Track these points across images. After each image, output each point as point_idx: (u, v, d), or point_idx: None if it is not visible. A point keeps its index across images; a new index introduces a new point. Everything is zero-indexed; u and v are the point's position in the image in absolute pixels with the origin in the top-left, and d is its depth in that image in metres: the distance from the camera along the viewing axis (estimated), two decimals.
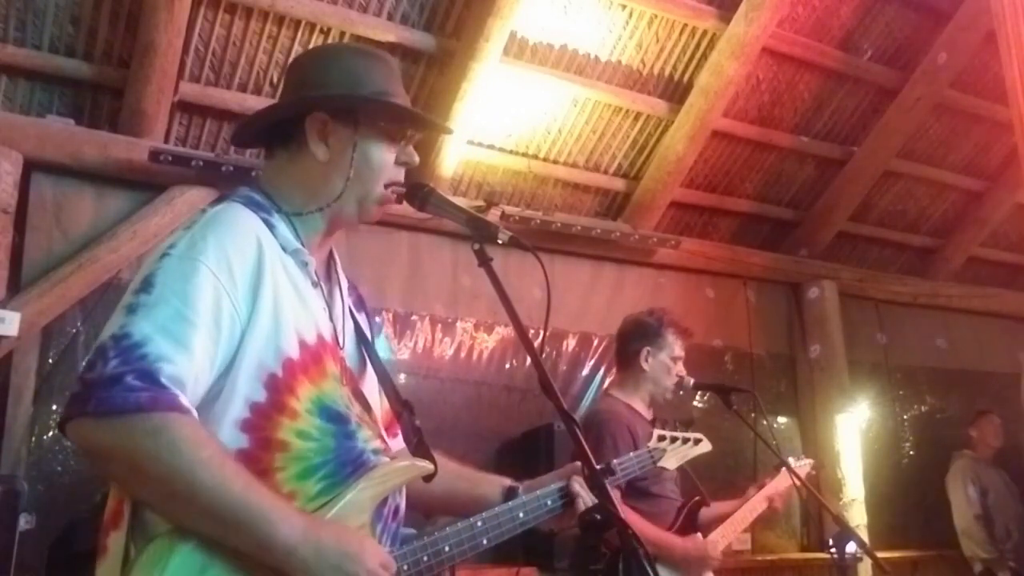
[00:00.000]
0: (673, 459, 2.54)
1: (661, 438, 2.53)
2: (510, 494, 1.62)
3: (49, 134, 3.55)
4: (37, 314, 3.42)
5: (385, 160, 1.50)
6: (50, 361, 3.51)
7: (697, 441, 2.60)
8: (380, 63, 1.55)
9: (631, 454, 2.30)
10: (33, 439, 3.42)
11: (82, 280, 3.52)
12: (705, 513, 3.04)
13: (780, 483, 3.14)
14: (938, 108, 5.29)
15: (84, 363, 1.21)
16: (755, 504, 3.06)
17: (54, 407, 3.48)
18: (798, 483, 2.99)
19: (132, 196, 3.72)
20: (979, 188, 5.89)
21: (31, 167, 3.54)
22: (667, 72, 4.57)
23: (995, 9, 3.76)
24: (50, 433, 3.45)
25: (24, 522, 2.99)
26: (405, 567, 1.35)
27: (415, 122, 1.58)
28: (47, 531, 3.10)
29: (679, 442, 2.54)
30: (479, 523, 1.48)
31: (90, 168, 3.62)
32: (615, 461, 2.19)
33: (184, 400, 1.19)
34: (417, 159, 1.56)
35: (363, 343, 1.58)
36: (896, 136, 5.18)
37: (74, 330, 3.54)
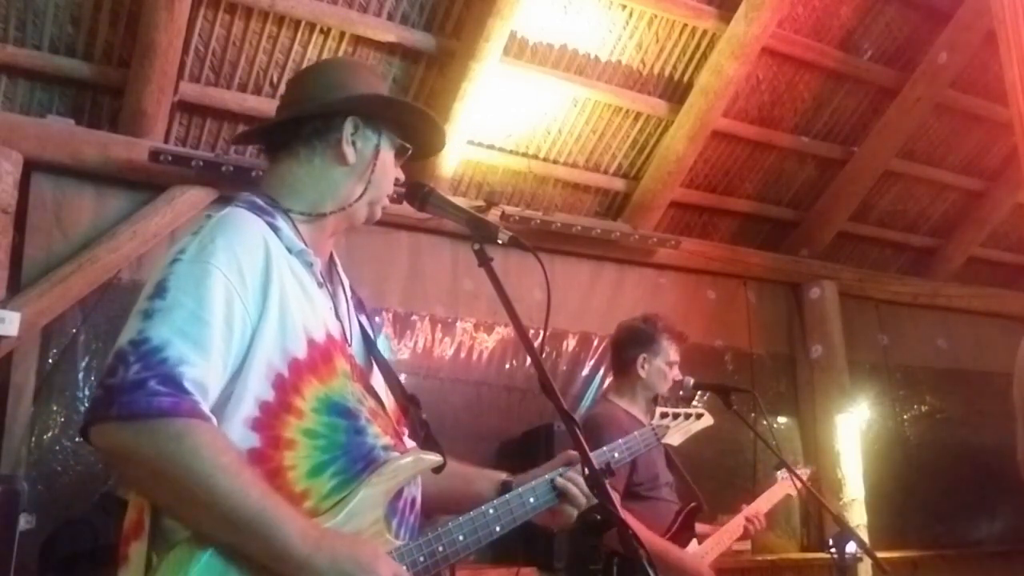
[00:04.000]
0: (677, 435, 2.53)
1: (664, 415, 2.52)
2: (504, 489, 1.62)
3: (49, 134, 3.55)
4: (37, 314, 3.41)
5: (394, 170, 1.61)
6: (50, 361, 3.49)
7: (699, 416, 2.59)
8: (386, 85, 1.64)
9: (635, 432, 2.26)
10: (33, 439, 3.41)
11: (82, 280, 3.51)
12: (699, 526, 3.03)
13: (765, 501, 3.16)
14: (938, 108, 5.29)
15: (104, 369, 1.24)
16: (738, 523, 3.08)
17: (54, 407, 3.47)
18: (799, 484, 2.99)
19: (132, 196, 3.72)
20: (979, 188, 5.89)
21: (31, 167, 3.54)
22: (667, 72, 4.57)
23: (995, 9, 3.77)
24: (50, 433, 3.45)
25: (24, 522, 2.99)
26: (421, 558, 1.37)
27: (435, 142, 1.69)
28: (47, 531, 3.10)
29: (681, 418, 2.54)
30: (491, 511, 1.50)
31: (90, 168, 3.62)
32: (619, 441, 2.10)
33: (204, 407, 1.22)
34: (403, 177, 1.65)
35: (368, 343, 1.60)
36: (896, 136, 5.18)
37: (74, 330, 3.52)
